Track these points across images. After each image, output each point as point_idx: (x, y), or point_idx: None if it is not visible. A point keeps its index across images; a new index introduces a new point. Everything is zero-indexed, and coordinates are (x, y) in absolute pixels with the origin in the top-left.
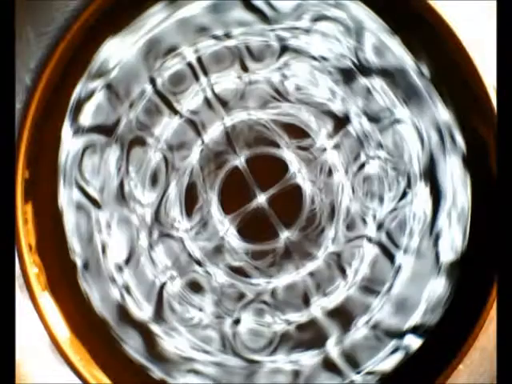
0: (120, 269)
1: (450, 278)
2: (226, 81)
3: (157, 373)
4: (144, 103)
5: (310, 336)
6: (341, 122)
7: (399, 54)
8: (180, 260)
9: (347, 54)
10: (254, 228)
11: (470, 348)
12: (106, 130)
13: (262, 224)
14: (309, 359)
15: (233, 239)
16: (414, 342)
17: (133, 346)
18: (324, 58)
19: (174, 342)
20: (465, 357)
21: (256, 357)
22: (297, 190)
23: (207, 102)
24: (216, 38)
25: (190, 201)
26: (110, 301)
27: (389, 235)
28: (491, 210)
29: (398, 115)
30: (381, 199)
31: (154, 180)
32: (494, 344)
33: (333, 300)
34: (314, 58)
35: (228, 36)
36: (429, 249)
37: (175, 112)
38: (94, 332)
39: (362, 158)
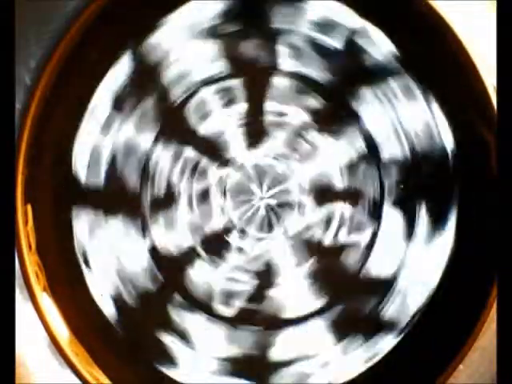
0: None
1: (451, 277)
2: None
3: (158, 372)
4: None
5: None
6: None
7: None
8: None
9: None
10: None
11: (469, 348)
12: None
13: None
14: None
15: None
16: (413, 341)
17: (133, 346)
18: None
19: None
20: (465, 357)
21: None
22: None
23: None
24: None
25: None
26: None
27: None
28: (491, 210)
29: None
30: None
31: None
32: (494, 344)
33: None
34: None
35: None
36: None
37: None
38: (93, 332)
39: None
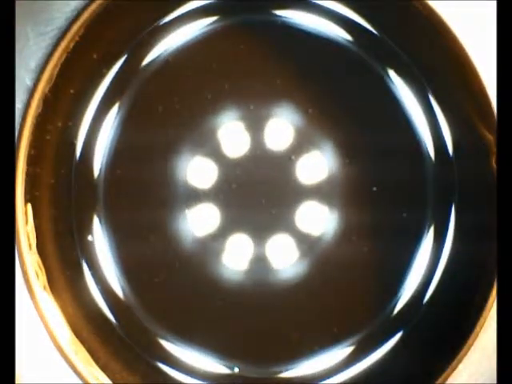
0: None
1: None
2: None
3: (158, 372)
4: None
5: None
6: None
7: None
8: None
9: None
10: None
11: (470, 348)
12: None
13: None
14: None
15: None
16: (413, 341)
17: (133, 345)
18: None
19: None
20: (465, 357)
21: None
22: None
23: None
24: None
25: None
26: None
27: None
28: (491, 210)
29: None
30: None
31: None
32: (494, 344)
33: None
34: None
35: None
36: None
37: None
38: (93, 332)
39: None
